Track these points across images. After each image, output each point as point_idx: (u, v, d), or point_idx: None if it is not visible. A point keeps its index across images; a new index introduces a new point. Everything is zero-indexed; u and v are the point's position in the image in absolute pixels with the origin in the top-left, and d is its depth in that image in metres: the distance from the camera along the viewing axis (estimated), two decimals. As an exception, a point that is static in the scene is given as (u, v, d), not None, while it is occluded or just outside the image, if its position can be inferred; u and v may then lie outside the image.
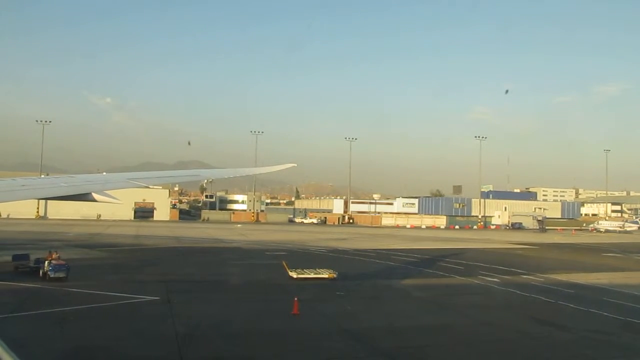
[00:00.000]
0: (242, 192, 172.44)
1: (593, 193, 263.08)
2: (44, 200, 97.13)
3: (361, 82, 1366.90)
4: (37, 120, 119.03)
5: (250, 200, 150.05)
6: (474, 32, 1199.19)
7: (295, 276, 31.11)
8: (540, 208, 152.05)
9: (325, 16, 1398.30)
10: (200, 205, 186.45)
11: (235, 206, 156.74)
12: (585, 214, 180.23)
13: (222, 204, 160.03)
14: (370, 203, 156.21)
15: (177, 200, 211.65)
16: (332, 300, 25.79)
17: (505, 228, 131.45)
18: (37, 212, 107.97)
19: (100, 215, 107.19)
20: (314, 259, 43.04)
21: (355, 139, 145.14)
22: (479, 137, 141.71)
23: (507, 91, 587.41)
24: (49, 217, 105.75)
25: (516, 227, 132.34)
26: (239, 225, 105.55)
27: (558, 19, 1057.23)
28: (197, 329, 18.78)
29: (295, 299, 21.69)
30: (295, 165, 21.80)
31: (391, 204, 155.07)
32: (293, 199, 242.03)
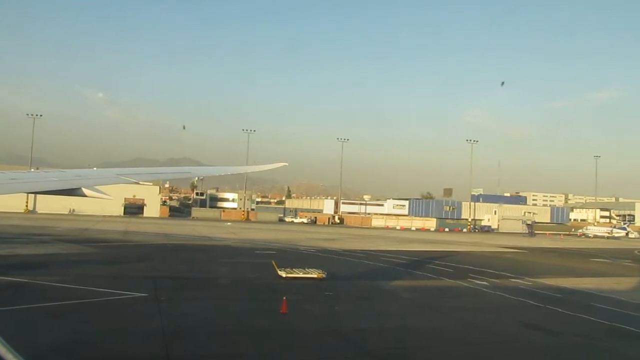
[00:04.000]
0: (233, 190, 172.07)
1: (582, 199, 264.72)
2: (33, 195, 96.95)
3: (354, 83, 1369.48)
4: (27, 114, 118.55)
5: (240, 199, 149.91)
6: (468, 36, 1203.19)
7: (284, 275, 31.05)
8: (529, 212, 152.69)
9: (320, 18, 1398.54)
10: (190, 202, 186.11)
11: (225, 204, 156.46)
12: (574, 219, 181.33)
13: (213, 202, 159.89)
14: (361, 204, 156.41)
15: (167, 197, 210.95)
16: (321, 300, 25.76)
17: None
18: (26, 206, 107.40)
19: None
20: (304, 258, 43.00)
21: (347, 139, 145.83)
22: (470, 140, 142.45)
23: (502, 83, 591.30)
24: (38, 212, 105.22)
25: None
26: (229, 224, 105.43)
27: (552, 25, 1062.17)
28: (185, 327, 18.70)
29: (284, 298, 21.66)
30: (287, 164, 21.73)
31: (381, 205, 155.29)
32: (284, 198, 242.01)
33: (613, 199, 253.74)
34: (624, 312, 25.58)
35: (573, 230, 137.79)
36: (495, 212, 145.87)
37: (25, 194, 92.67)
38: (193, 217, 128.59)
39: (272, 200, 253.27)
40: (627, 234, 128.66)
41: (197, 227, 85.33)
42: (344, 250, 53.47)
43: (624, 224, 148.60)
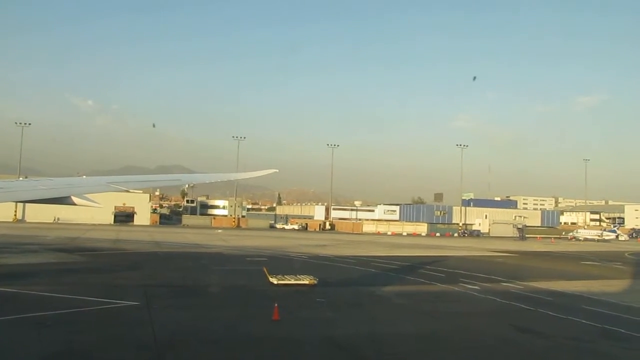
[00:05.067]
0: (224, 197, 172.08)
1: (572, 202, 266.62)
2: (22, 204, 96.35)
3: (344, 89, 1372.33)
4: (16, 122, 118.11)
5: (231, 206, 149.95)
6: (458, 42, 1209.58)
7: (275, 282, 30.97)
8: (520, 216, 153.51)
9: (311, 24, 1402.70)
10: (181, 210, 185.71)
11: (216, 211, 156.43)
12: (565, 223, 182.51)
13: (203, 209, 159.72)
14: (352, 210, 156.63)
15: (157, 205, 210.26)
16: (312, 307, 25.73)
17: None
18: (15, 215, 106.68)
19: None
20: (295, 265, 42.97)
21: (338, 145, 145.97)
22: (460, 145, 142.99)
23: (474, 78, 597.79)
24: (27, 221, 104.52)
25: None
26: (219, 231, 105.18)
27: (541, 29, 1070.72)
28: (176, 335, 18.62)
29: (276, 305, 21.60)
30: (277, 170, 21.78)
31: (372, 210, 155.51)
32: (274, 204, 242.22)
33: (603, 202, 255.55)
34: (614, 314, 25.71)
35: (564, 233, 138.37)
36: (486, 216, 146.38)
37: (14, 203, 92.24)
38: (184, 225, 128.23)
39: (262, 207, 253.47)
40: (617, 236, 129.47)
41: (187, 235, 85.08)
42: (336, 257, 53.42)
43: (614, 226, 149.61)
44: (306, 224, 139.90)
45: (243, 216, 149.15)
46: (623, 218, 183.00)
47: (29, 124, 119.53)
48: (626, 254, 75.59)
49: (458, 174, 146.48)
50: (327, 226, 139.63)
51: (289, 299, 26.21)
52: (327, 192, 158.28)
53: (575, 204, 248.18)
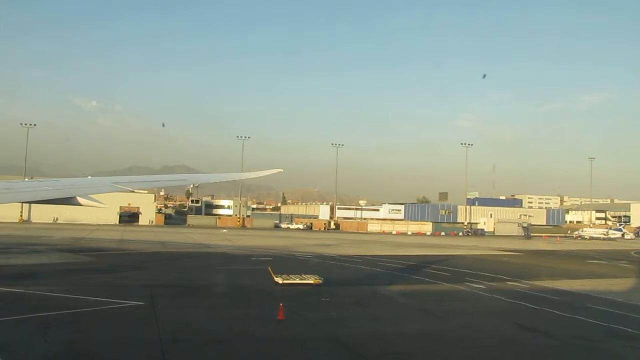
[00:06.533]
0: (228, 197, 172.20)
1: (578, 200, 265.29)
2: (27, 204, 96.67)
3: (348, 88, 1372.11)
4: (21, 123, 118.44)
5: (236, 206, 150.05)
6: (461, 41, 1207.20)
7: (280, 282, 30.99)
8: (525, 215, 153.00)
9: (314, 24, 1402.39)
10: (186, 210, 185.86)
11: (221, 211, 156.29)
12: (570, 222, 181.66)
13: (208, 209, 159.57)
14: (357, 209, 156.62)
15: (162, 205, 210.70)
16: (317, 306, 25.71)
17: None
18: (21, 215, 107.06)
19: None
20: (300, 264, 42.99)
21: (342, 145, 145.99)
22: (465, 144, 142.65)
23: (484, 76, 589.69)
24: (33, 221, 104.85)
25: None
26: (224, 231, 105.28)
27: (544, 29, 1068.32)
28: (181, 335, 18.63)
29: (281, 304, 21.60)
30: (282, 170, 21.80)
31: (377, 210, 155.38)
32: (279, 204, 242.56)
33: (608, 201, 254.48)
34: (621, 313, 25.62)
35: (569, 232, 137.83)
36: (491, 215, 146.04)
37: (20, 204, 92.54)
38: (189, 225, 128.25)
39: (267, 207, 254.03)
40: (622, 235, 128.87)
41: (192, 235, 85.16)
42: (340, 256, 53.39)
43: (620, 225, 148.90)
44: (311, 223, 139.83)
45: (248, 216, 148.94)
46: (629, 216, 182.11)
47: (34, 124, 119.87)
48: (632, 253, 75.26)
49: (463, 173, 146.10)
50: (332, 226, 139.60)
51: (294, 299, 26.21)
52: (332, 191, 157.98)
53: (581, 202, 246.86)
